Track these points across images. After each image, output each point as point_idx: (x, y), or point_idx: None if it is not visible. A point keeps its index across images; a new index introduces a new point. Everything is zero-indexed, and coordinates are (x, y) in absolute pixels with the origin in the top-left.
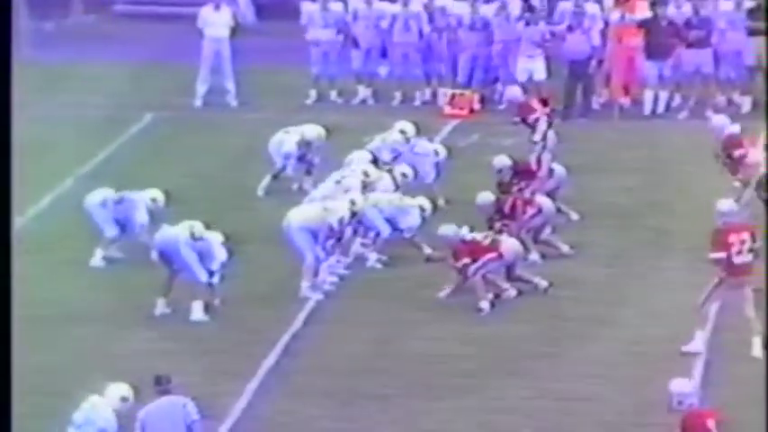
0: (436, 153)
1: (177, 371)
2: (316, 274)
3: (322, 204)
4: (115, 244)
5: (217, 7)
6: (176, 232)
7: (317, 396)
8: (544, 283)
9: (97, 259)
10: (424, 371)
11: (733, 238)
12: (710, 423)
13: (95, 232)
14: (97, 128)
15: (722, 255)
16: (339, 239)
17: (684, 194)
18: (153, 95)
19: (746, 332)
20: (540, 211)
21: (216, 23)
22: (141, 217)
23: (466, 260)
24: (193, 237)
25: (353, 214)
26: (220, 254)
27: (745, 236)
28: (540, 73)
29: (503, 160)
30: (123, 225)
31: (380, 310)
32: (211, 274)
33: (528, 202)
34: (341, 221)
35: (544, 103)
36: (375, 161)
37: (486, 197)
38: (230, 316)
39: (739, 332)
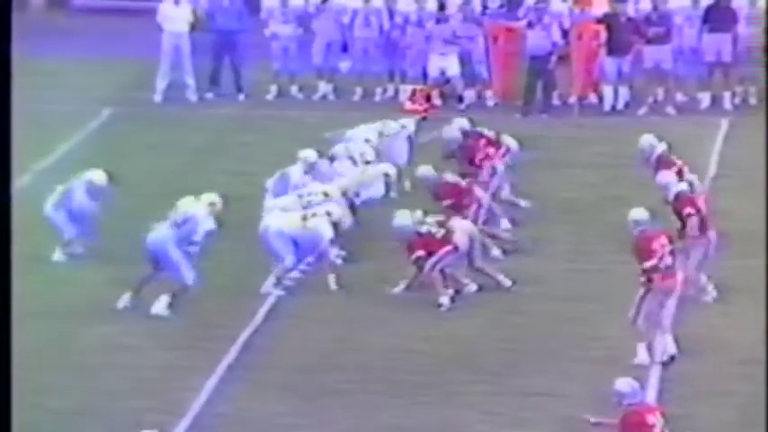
0: (403, 127)
1: (137, 366)
2: (287, 272)
3: (300, 214)
4: (76, 240)
5: (176, 2)
6: (163, 234)
7: (277, 392)
8: (507, 282)
9: (59, 254)
10: (383, 366)
11: (655, 244)
12: (651, 419)
13: (55, 228)
14: (55, 123)
15: (654, 262)
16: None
17: (644, 189)
18: (112, 90)
19: (703, 329)
20: (479, 205)
21: (175, 18)
22: (80, 200)
23: (420, 252)
24: (177, 225)
25: (335, 225)
26: (207, 224)
27: (665, 240)
28: (452, 69)
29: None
30: (79, 219)
31: (341, 306)
32: (193, 243)
33: (468, 191)
34: (329, 242)
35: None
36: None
37: (427, 171)
38: (190, 311)
39: (692, 329)
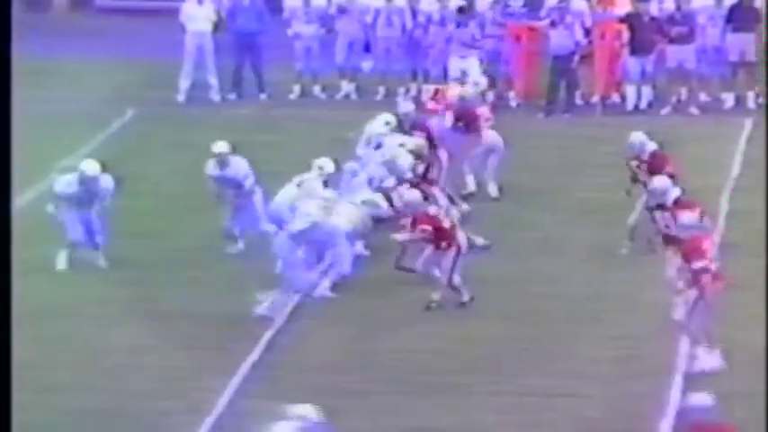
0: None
1: (160, 366)
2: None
3: (353, 201)
4: (83, 244)
5: (199, 2)
6: (282, 238)
7: (299, 392)
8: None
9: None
10: (405, 367)
11: (706, 244)
12: None
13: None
14: (79, 123)
15: (705, 263)
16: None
17: None
18: (135, 91)
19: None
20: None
21: (198, 18)
22: (70, 189)
23: (426, 227)
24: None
25: (389, 200)
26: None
27: (710, 243)
28: (473, 70)
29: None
30: (75, 212)
31: (363, 307)
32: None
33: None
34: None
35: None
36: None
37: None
38: (213, 311)
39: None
